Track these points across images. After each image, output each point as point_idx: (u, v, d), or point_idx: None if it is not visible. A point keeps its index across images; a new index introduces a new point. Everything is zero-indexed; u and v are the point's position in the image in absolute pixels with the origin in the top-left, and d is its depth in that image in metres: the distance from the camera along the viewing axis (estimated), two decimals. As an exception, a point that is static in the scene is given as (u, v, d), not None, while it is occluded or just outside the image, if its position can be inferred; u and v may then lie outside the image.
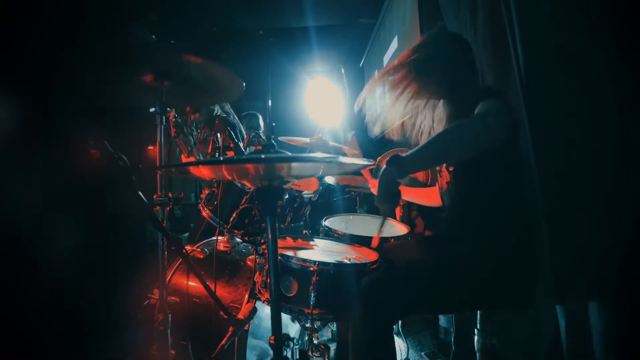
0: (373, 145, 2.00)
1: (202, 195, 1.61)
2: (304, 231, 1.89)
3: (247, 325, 1.26)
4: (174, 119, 1.53)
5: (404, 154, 1.00)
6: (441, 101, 1.23)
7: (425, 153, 1.02)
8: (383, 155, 2.17)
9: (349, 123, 2.76)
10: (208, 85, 1.36)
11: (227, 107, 2.44)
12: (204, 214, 1.56)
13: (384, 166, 1.01)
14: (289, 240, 1.52)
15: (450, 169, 1.22)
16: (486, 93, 1.13)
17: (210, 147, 1.37)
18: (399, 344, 1.86)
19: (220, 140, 1.37)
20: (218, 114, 2.34)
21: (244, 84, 1.35)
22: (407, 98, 1.19)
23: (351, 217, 1.91)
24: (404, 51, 1.23)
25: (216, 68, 1.25)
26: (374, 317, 1.03)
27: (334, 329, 1.72)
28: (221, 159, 1.15)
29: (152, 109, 1.34)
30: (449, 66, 1.17)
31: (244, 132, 2.40)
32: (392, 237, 1.57)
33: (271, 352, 0.84)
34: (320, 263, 1.14)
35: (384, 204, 1.02)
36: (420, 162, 1.06)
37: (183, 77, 1.28)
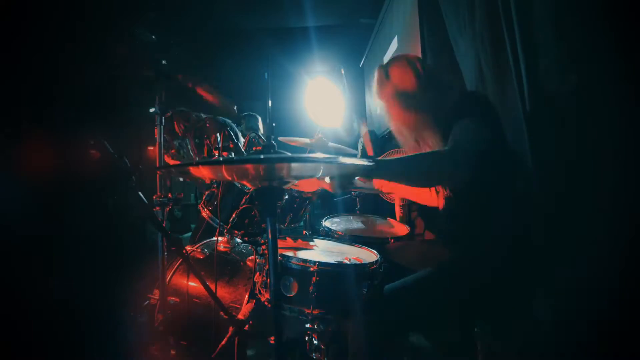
0: (375, 145, 2.00)
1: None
2: (304, 231, 1.89)
3: (247, 325, 1.27)
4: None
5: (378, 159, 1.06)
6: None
7: (391, 169, 1.07)
8: (383, 155, 2.17)
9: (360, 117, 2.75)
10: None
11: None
12: (203, 214, 1.56)
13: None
14: (289, 241, 1.52)
15: None
16: (461, 109, 1.12)
17: (205, 150, 1.36)
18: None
19: (219, 140, 1.36)
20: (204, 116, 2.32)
21: (236, 107, 1.38)
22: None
23: (351, 217, 1.91)
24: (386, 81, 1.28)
25: (217, 94, 1.27)
26: (374, 331, 1.04)
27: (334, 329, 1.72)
28: (221, 159, 1.15)
29: (152, 109, 1.33)
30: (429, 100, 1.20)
31: (237, 132, 2.39)
32: (392, 238, 1.57)
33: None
34: (321, 263, 1.14)
35: (335, 188, 1.22)
36: (384, 175, 1.15)
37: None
